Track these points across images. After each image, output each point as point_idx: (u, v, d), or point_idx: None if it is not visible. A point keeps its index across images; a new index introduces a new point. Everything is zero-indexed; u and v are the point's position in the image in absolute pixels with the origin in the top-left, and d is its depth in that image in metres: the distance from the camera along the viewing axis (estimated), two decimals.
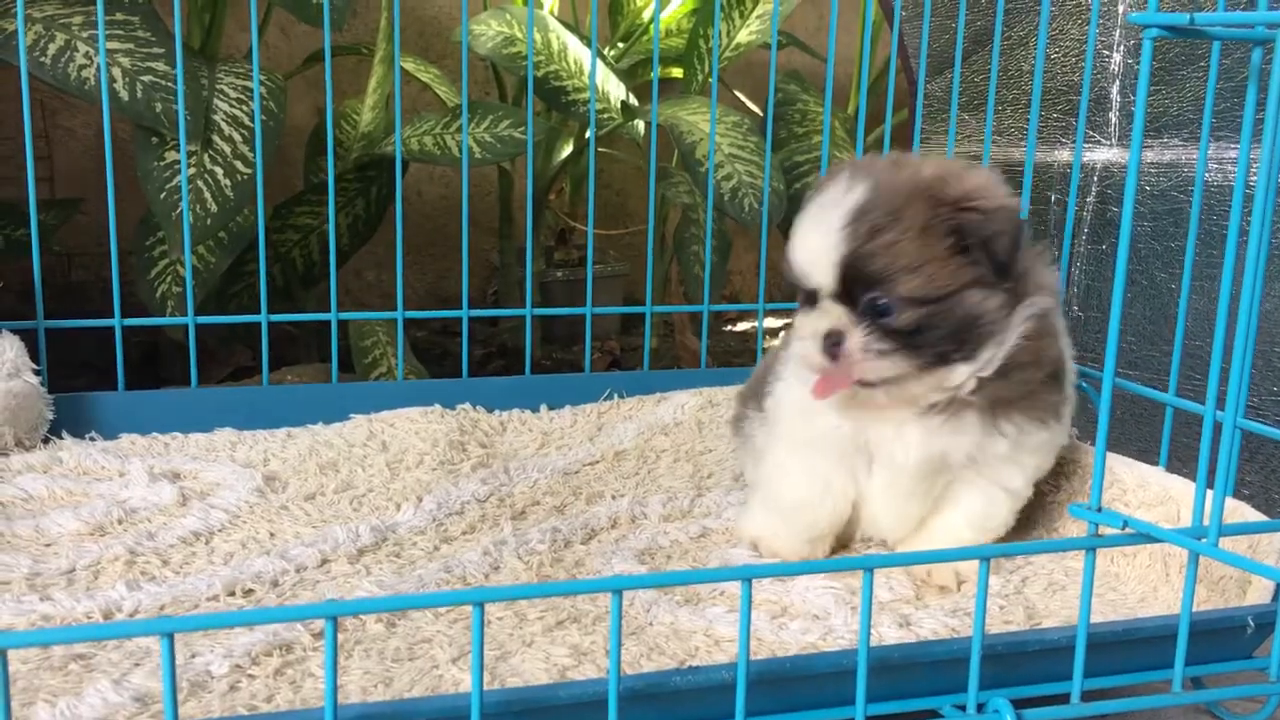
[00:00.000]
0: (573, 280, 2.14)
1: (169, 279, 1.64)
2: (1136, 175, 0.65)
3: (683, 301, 2.32)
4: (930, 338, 0.76)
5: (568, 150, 2.04)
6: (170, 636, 0.50)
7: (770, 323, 2.37)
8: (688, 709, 0.62)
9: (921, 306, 0.75)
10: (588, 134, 2.07)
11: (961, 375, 0.77)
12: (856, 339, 0.76)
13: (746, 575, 0.59)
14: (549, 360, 2.11)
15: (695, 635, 0.73)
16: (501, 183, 2.07)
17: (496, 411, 1.12)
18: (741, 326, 2.41)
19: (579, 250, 2.23)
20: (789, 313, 2.61)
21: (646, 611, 0.75)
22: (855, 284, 0.76)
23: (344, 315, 1.30)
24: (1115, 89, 1.08)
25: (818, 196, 0.79)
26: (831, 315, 0.77)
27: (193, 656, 0.66)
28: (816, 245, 0.76)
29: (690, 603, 0.77)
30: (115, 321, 1.17)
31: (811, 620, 0.75)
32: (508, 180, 2.06)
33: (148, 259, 1.64)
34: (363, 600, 0.71)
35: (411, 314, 1.23)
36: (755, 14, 1.83)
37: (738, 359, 2.17)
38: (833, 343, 0.77)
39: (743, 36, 1.83)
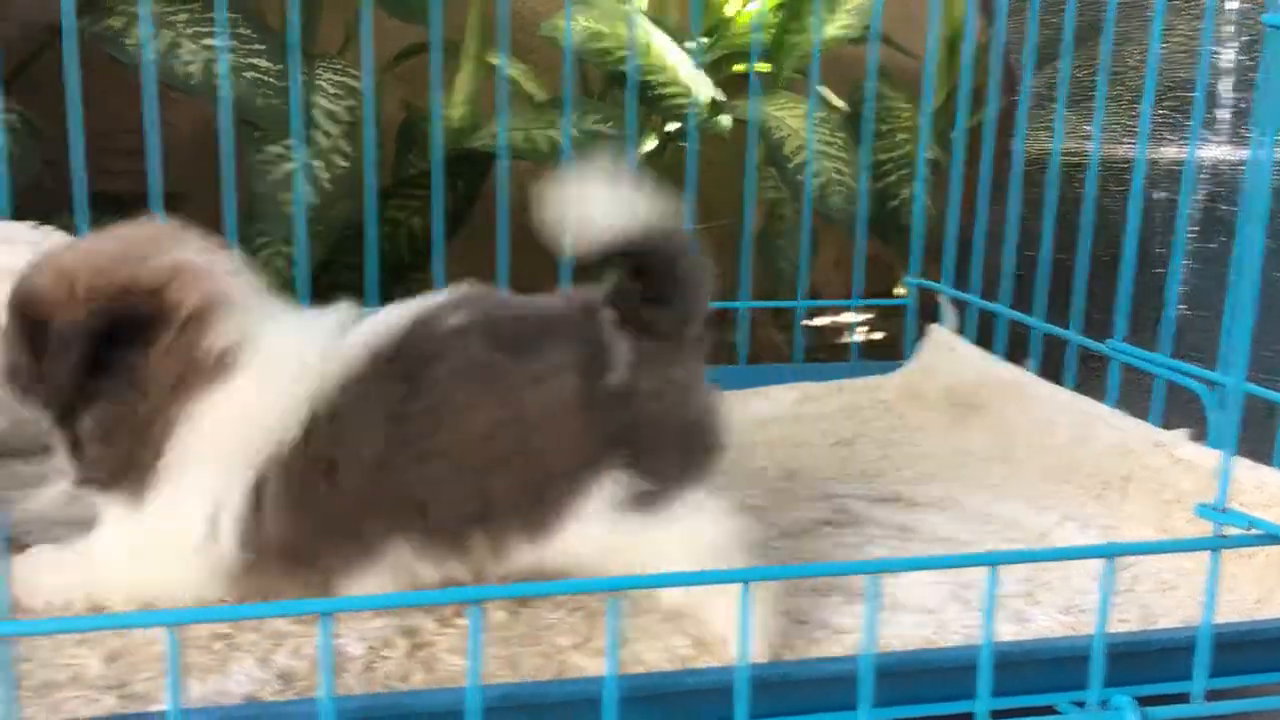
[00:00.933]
0: None
1: (272, 268, 1.68)
2: (1269, 173, 0.65)
3: (760, 297, 2.33)
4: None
5: (650, 145, 2.05)
6: (330, 616, 0.52)
7: (849, 318, 2.37)
8: (808, 699, 0.63)
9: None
10: (667, 128, 2.08)
11: None
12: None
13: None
14: None
15: (814, 627, 0.74)
16: None
17: None
18: (817, 321, 2.40)
19: None
20: (876, 309, 2.59)
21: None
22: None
23: None
24: (1225, 86, 1.07)
25: None
26: None
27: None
28: None
29: (804, 594, 0.78)
30: None
31: (925, 614, 0.76)
32: None
33: (249, 250, 1.68)
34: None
35: None
36: (843, 8, 1.83)
37: (819, 354, 2.17)
38: None
39: (830, 31, 1.82)
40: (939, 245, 1.26)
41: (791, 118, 1.70)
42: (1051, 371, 1.04)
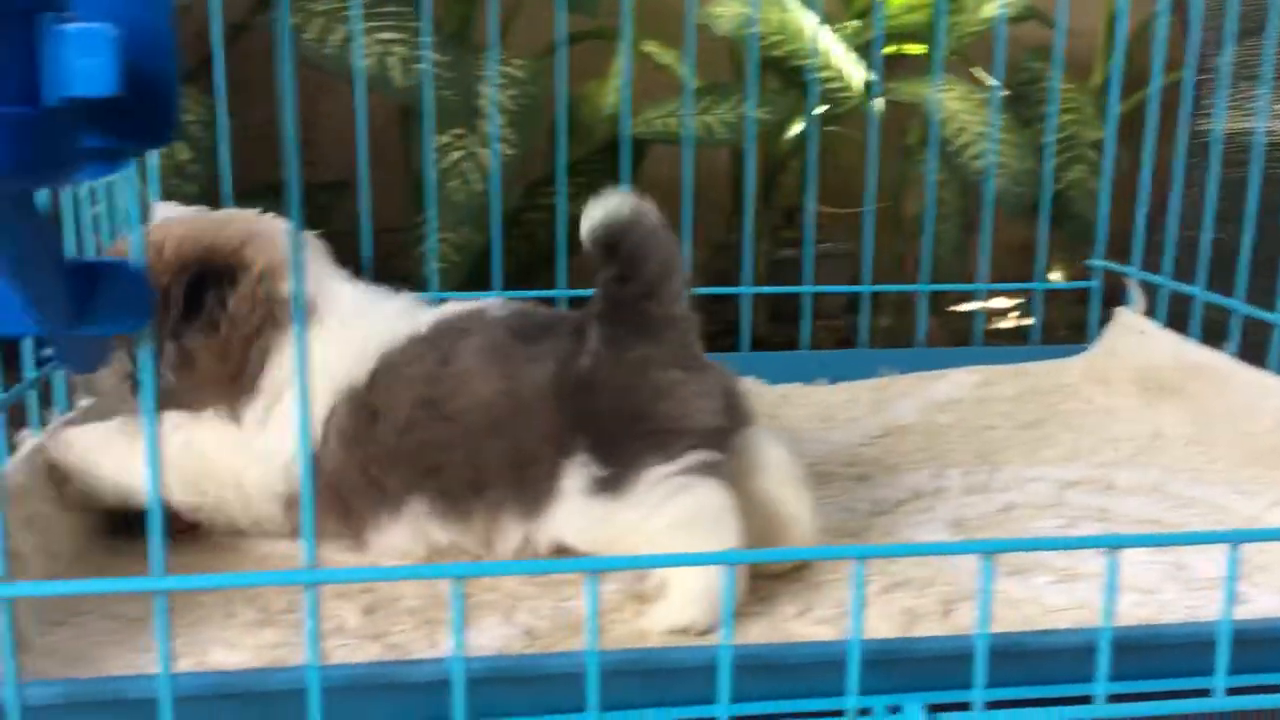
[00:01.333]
0: (800, 258, 2.15)
1: (436, 257, 1.74)
2: None
3: (917, 280, 2.31)
4: None
5: (797, 128, 2.05)
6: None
7: (1000, 304, 2.33)
8: (1044, 669, 0.64)
9: None
10: (815, 111, 2.08)
11: None
12: None
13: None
14: (778, 337, 2.13)
15: (1026, 604, 0.74)
16: (736, 163, 2.10)
17: (776, 385, 1.16)
18: (965, 307, 2.37)
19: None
20: (1016, 293, 2.53)
21: (974, 580, 0.77)
22: None
23: (571, 293, 1.36)
24: None
25: None
26: None
27: (563, 600, 0.72)
28: None
29: (1016, 573, 0.78)
30: None
31: (1142, 594, 0.76)
32: (742, 161, 2.09)
33: (414, 236, 1.74)
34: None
35: None
36: None
37: (968, 340, 2.14)
38: None
39: (989, 10, 1.80)
40: (1111, 228, 1.24)
41: (951, 100, 1.69)
42: (1250, 357, 1.02)
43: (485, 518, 0.74)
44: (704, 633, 0.68)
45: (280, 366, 0.77)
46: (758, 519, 0.74)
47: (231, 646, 0.66)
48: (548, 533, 0.73)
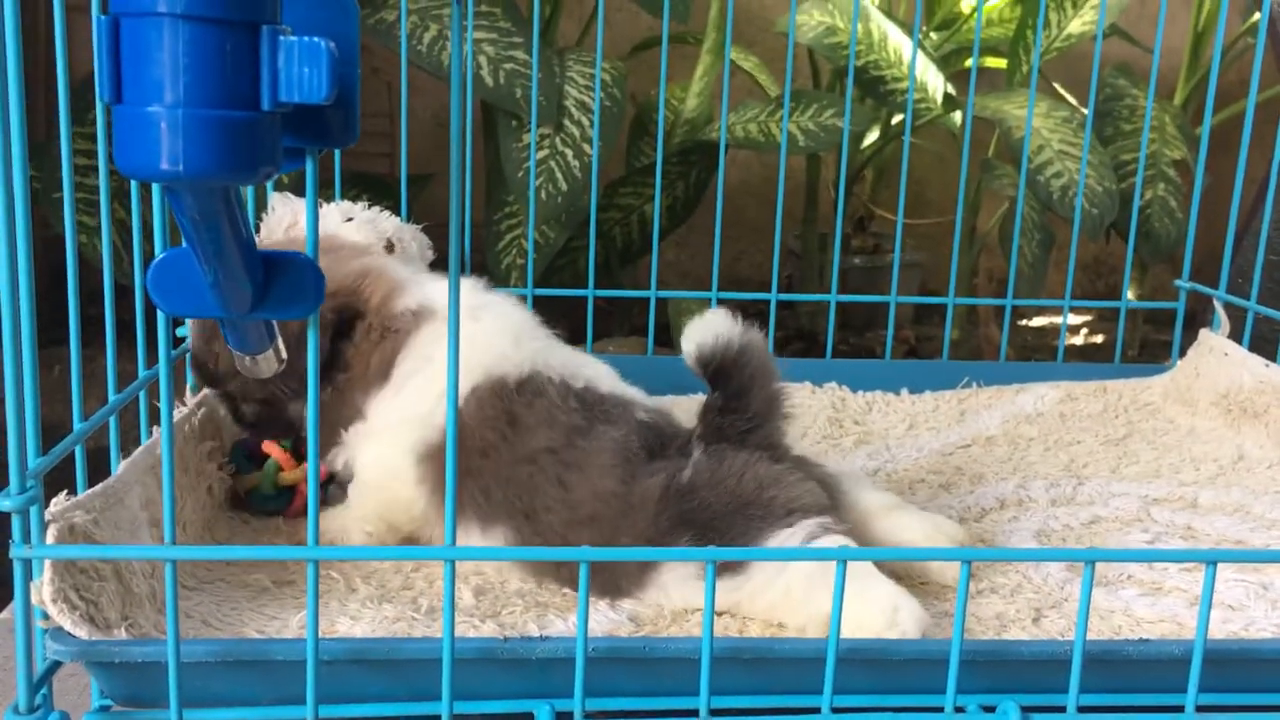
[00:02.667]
0: (869, 267, 2.17)
1: (514, 251, 1.78)
2: None
3: (986, 293, 2.32)
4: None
5: (873, 137, 2.07)
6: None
7: (1073, 320, 2.33)
8: (1136, 678, 0.66)
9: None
10: (893, 121, 2.10)
11: None
12: None
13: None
14: (846, 345, 2.15)
15: (1115, 615, 0.76)
16: (809, 170, 2.12)
17: (860, 392, 1.18)
18: (1037, 322, 2.38)
19: (875, 238, 2.25)
20: (1092, 311, 2.52)
21: (1061, 589, 0.79)
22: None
23: (662, 293, 1.38)
24: None
25: None
26: None
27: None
28: None
29: (1101, 584, 0.80)
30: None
31: (1228, 610, 0.77)
32: (815, 167, 2.11)
33: (495, 232, 1.78)
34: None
35: (724, 294, 1.29)
36: (1089, 3, 1.80)
37: (1036, 354, 2.15)
38: None
39: (1074, 27, 1.80)
40: (1189, 250, 1.24)
41: (1033, 116, 1.69)
42: None
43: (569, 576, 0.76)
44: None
45: (404, 363, 0.81)
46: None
47: (354, 619, 0.70)
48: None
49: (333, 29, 0.46)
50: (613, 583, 0.74)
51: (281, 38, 0.41)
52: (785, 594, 0.71)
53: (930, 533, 0.80)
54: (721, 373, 0.75)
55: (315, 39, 0.41)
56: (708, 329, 0.75)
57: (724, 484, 0.74)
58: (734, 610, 0.74)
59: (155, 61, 0.40)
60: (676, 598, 0.74)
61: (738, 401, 0.76)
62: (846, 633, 0.63)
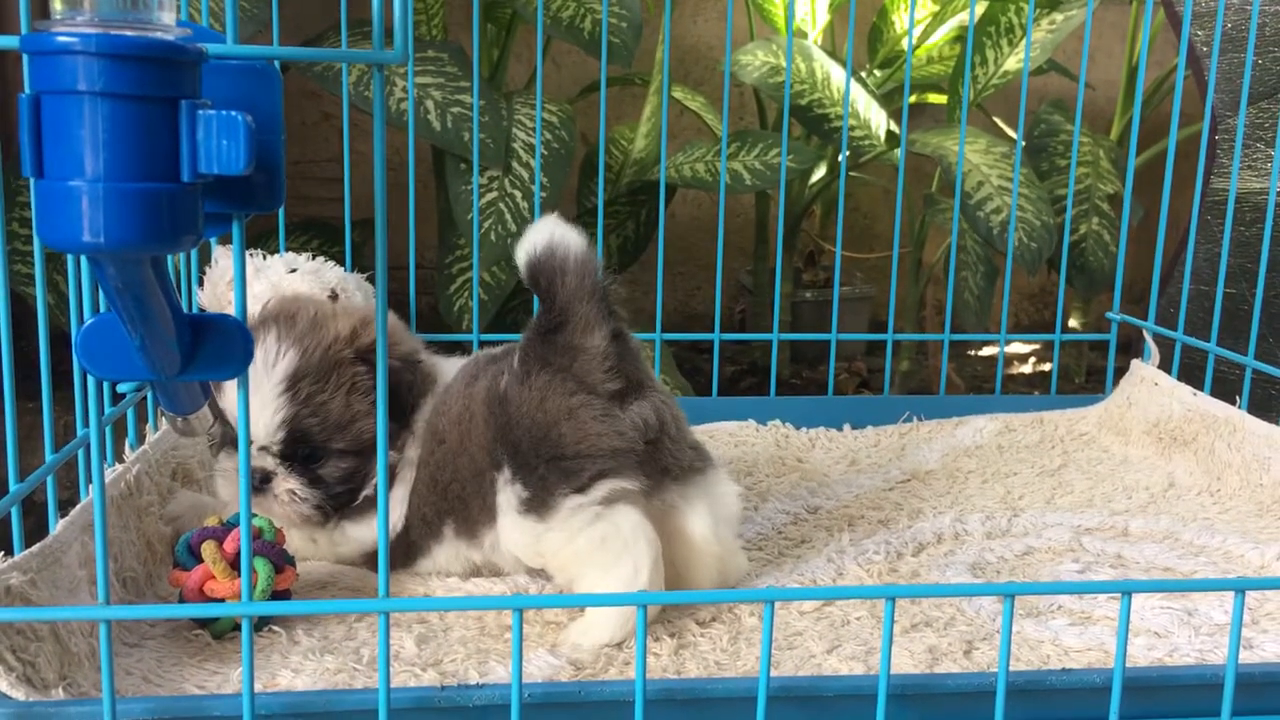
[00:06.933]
0: (821, 301, 2.20)
1: (465, 293, 1.79)
2: None
3: (934, 327, 2.35)
4: (352, 482, 0.87)
5: (820, 174, 2.10)
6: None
7: (1017, 349, 2.37)
8: (1062, 707, 0.68)
9: (348, 457, 0.86)
10: (839, 158, 2.13)
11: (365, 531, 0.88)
12: (286, 484, 0.85)
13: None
14: (798, 379, 2.17)
15: (1044, 645, 0.78)
16: (759, 206, 2.15)
17: (803, 429, 1.20)
18: (987, 352, 2.42)
19: (825, 271, 2.28)
20: (1032, 343, 2.56)
21: (993, 621, 0.81)
22: (293, 441, 0.85)
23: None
24: None
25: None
26: (263, 459, 0.85)
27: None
28: (257, 408, 0.83)
29: (1031, 615, 0.82)
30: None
31: (1153, 637, 0.79)
32: (764, 204, 2.14)
33: (447, 275, 1.79)
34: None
35: (669, 335, 1.32)
36: (1024, 40, 1.85)
37: (986, 384, 2.18)
38: (261, 479, 0.85)
39: (1011, 64, 1.85)
40: (1118, 282, 1.28)
41: (973, 153, 1.73)
42: (1261, 410, 1.06)
43: (466, 528, 0.82)
44: (618, 645, 0.74)
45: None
46: (679, 545, 0.81)
47: (296, 672, 0.70)
48: (500, 544, 0.81)
49: (254, 99, 0.48)
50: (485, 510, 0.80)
51: (200, 112, 0.42)
52: (575, 559, 0.77)
53: (706, 535, 0.81)
54: (534, 277, 0.77)
55: (233, 113, 0.42)
56: (525, 239, 0.77)
57: (527, 404, 0.77)
58: (547, 563, 0.79)
59: (75, 138, 0.42)
60: (514, 543, 0.79)
61: (546, 302, 0.77)
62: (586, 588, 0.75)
